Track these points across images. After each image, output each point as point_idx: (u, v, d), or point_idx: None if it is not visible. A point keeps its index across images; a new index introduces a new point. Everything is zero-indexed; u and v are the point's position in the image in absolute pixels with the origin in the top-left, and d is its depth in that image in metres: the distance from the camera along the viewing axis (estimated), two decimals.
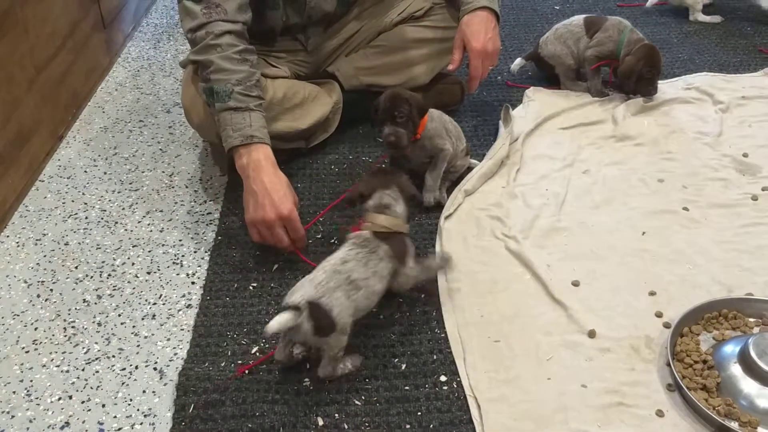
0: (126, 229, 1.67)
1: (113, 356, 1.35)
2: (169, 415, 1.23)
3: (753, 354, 1.22)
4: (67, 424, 1.23)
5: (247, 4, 1.58)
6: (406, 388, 1.27)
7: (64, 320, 1.43)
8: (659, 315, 1.39)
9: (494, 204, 1.69)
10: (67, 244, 1.62)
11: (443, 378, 1.28)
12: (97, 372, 1.32)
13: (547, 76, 2.19)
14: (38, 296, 1.48)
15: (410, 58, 1.91)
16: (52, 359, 1.35)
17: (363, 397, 1.25)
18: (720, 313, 1.37)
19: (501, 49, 1.79)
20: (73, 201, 1.76)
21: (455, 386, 1.27)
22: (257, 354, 1.33)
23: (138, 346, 1.37)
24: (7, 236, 1.65)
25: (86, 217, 1.71)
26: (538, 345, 1.33)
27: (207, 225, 1.67)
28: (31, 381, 1.30)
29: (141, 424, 1.22)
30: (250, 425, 1.19)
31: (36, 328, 1.41)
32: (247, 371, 1.29)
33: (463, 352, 1.32)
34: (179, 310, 1.45)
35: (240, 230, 1.61)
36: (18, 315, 1.44)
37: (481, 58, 1.73)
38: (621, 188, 1.75)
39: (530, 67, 2.23)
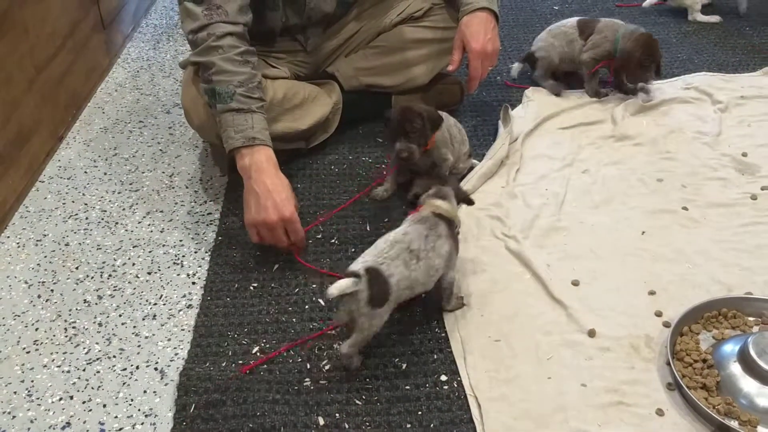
0: (126, 230, 1.67)
1: (114, 356, 1.35)
2: (170, 415, 1.24)
3: (752, 353, 1.22)
4: (68, 424, 1.23)
5: (248, 5, 1.58)
6: (407, 387, 1.27)
7: (65, 321, 1.43)
8: (659, 314, 1.40)
9: (494, 204, 1.69)
10: (67, 244, 1.63)
11: (444, 377, 1.29)
12: (98, 372, 1.32)
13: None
14: (39, 297, 1.49)
15: (410, 59, 1.92)
16: (53, 359, 1.35)
17: (364, 397, 1.25)
18: (719, 312, 1.38)
19: (500, 50, 1.79)
20: (73, 201, 1.76)
21: (456, 386, 1.27)
22: (258, 354, 1.34)
23: (139, 346, 1.38)
24: (8, 237, 1.65)
25: (86, 218, 1.71)
26: (538, 344, 1.34)
27: (207, 225, 1.68)
28: (32, 381, 1.31)
29: (142, 424, 1.23)
30: (251, 425, 1.19)
31: (37, 329, 1.41)
32: (262, 364, 1.30)
33: (463, 352, 1.32)
34: (180, 311, 1.45)
35: (240, 230, 1.61)
36: (19, 315, 1.44)
37: (481, 58, 1.74)
38: (620, 188, 1.75)
39: (529, 68, 2.24)
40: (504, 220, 1.63)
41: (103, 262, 1.57)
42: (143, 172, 1.87)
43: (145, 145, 1.98)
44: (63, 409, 1.25)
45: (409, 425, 1.20)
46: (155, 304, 1.47)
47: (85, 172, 1.88)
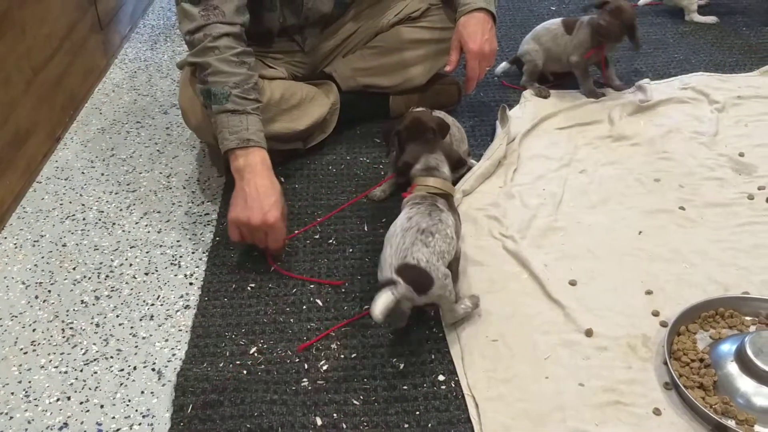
0: (124, 230, 1.67)
1: (111, 357, 1.35)
2: (167, 416, 1.23)
3: (749, 352, 1.23)
4: (66, 425, 1.23)
5: (245, 6, 1.58)
6: (405, 387, 1.27)
7: (63, 321, 1.43)
8: (656, 314, 1.40)
9: (492, 204, 1.69)
10: (64, 245, 1.63)
11: (441, 377, 1.29)
12: (96, 373, 1.32)
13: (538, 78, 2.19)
14: (36, 297, 1.48)
15: (407, 59, 1.92)
16: (51, 360, 1.35)
17: (361, 397, 1.25)
18: (717, 311, 1.38)
19: (497, 50, 1.79)
20: (70, 202, 1.76)
21: (453, 385, 1.27)
22: (255, 354, 1.34)
23: (136, 346, 1.37)
24: (5, 238, 1.65)
25: (84, 219, 1.71)
26: (536, 344, 1.34)
27: (205, 226, 1.68)
28: (30, 382, 1.30)
29: (139, 424, 1.23)
30: (248, 425, 1.19)
31: (34, 329, 1.41)
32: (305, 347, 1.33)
33: (461, 352, 1.33)
34: (177, 311, 1.45)
35: None
36: (16, 316, 1.44)
37: (478, 59, 1.74)
38: (617, 188, 1.75)
39: (518, 70, 2.24)
40: (501, 220, 1.63)
41: (101, 263, 1.57)
42: (140, 173, 1.87)
43: (142, 146, 1.98)
44: (60, 409, 1.25)
45: (406, 425, 1.20)
46: (152, 304, 1.47)
47: (83, 172, 1.88)
